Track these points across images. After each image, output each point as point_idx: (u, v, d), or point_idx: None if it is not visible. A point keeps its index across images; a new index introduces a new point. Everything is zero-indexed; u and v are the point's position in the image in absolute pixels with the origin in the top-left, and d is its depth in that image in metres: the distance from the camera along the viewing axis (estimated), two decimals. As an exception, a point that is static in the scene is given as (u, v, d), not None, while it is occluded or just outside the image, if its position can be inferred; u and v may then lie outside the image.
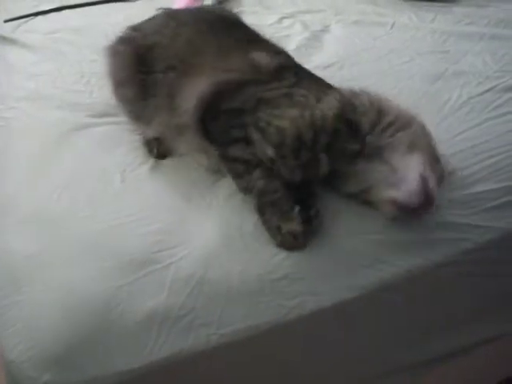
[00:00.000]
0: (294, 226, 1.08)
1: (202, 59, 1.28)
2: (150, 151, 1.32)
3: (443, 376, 1.38)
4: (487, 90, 1.48)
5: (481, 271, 1.22)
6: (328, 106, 1.11)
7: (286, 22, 1.84)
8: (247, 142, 1.13)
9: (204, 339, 1.01)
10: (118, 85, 1.39)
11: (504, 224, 1.20)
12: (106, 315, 1.01)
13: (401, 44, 1.69)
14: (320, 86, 1.23)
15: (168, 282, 1.05)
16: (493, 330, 1.35)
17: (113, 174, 1.27)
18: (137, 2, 1.97)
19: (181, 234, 1.12)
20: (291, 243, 1.08)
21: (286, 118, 1.11)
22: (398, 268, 1.11)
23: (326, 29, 1.78)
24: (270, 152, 1.11)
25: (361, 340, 1.18)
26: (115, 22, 1.82)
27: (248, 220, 1.13)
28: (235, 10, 1.91)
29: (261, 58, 1.25)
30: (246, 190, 1.15)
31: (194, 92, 1.21)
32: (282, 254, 1.08)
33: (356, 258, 1.11)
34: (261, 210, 1.12)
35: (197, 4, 1.87)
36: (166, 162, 1.31)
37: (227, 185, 1.21)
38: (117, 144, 1.36)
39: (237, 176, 1.17)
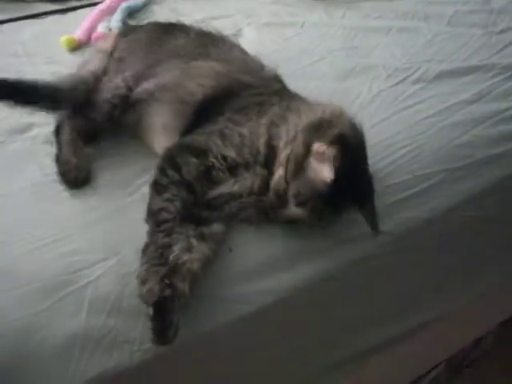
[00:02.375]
0: (157, 287, 0.99)
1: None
2: (65, 179, 1.26)
3: (382, 365, 1.41)
4: (396, 83, 1.53)
5: (399, 261, 1.26)
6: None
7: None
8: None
9: (127, 357, 1.00)
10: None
11: (417, 213, 1.24)
12: (25, 344, 0.99)
13: (311, 43, 1.71)
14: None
15: (86, 303, 1.03)
16: (426, 315, 1.40)
17: (25, 196, 1.23)
18: (46, 19, 1.92)
19: (96, 252, 1.10)
20: (149, 302, 0.99)
21: (247, 126, 1.16)
22: (315, 270, 1.13)
23: (238, 33, 1.78)
24: (232, 155, 1.14)
25: (292, 341, 1.20)
26: (24, 40, 1.79)
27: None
28: (147, 21, 1.91)
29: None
30: (150, 213, 1.12)
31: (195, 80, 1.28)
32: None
33: (272, 262, 1.12)
34: (145, 249, 1.07)
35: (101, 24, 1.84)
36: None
37: (142, 198, 1.19)
38: (28, 161, 1.31)
39: (156, 192, 1.13)
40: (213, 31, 1.46)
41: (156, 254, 1.05)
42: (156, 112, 1.30)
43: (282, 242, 1.15)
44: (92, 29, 1.82)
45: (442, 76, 1.55)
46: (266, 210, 1.12)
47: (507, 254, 1.52)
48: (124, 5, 1.92)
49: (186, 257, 1.04)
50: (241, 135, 1.16)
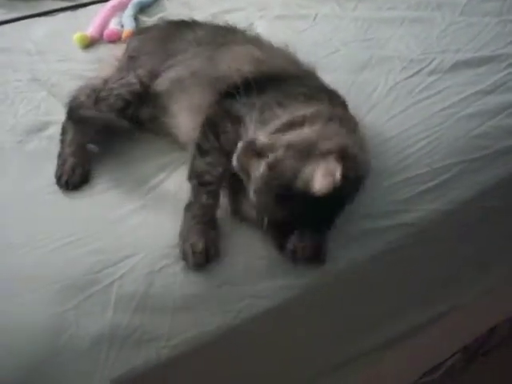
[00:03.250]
0: (200, 242, 1.08)
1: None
2: (59, 180, 1.26)
3: (398, 357, 1.42)
4: (412, 75, 1.51)
5: (424, 253, 1.26)
6: None
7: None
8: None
9: (154, 354, 1.01)
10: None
11: (437, 205, 1.24)
12: (55, 342, 1.00)
13: (324, 35, 1.70)
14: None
15: (112, 302, 1.04)
16: (440, 308, 1.40)
17: (44, 195, 1.24)
18: (57, 16, 1.92)
19: (119, 250, 1.11)
20: (190, 258, 1.08)
21: (287, 111, 1.16)
22: (341, 262, 1.13)
23: (250, 26, 1.76)
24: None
25: (309, 336, 1.20)
26: (36, 38, 1.80)
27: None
28: (160, 15, 1.91)
29: None
30: (193, 173, 1.16)
31: (229, 63, 1.29)
32: (221, 261, 1.09)
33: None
34: (188, 207, 1.13)
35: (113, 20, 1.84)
36: (96, 178, 1.28)
37: (161, 195, 1.21)
38: (46, 160, 1.32)
39: (199, 153, 1.17)
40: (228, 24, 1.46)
41: (200, 212, 1.11)
42: (183, 98, 1.30)
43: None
44: (104, 25, 1.82)
45: (456, 67, 1.54)
46: None
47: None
48: (135, 0, 1.92)
49: None
50: (277, 116, 1.16)
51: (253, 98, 1.20)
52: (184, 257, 1.08)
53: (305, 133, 1.10)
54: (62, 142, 1.33)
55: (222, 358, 1.10)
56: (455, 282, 1.41)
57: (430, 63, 1.55)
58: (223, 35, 1.41)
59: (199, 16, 1.83)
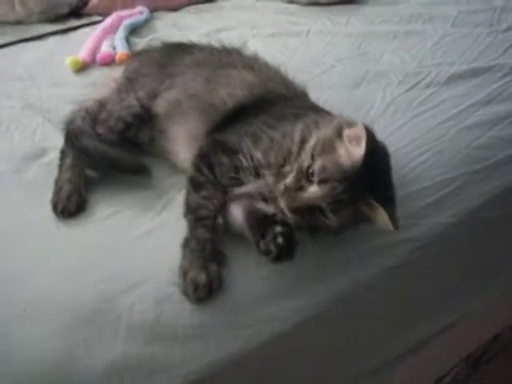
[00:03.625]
0: (202, 276, 1.05)
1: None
2: (55, 208, 1.22)
3: (404, 373, 1.41)
4: (409, 89, 1.52)
5: (430, 266, 1.26)
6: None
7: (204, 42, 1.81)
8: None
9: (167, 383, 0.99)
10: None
11: (443, 218, 1.24)
12: (66, 377, 0.97)
13: (318, 52, 1.70)
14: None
15: (123, 331, 1.01)
16: (447, 319, 1.39)
17: (46, 224, 1.21)
18: (47, 40, 1.91)
19: (127, 278, 1.08)
20: (191, 293, 1.05)
21: (280, 132, 1.16)
22: (349, 281, 1.13)
23: (243, 45, 1.76)
24: (259, 156, 1.14)
25: (324, 355, 1.19)
26: (27, 63, 1.78)
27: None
28: (151, 36, 1.90)
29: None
30: (189, 209, 1.14)
31: (225, 88, 1.28)
32: (232, 286, 1.07)
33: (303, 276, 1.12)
34: (186, 243, 1.10)
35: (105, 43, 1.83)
36: (99, 204, 1.25)
37: (166, 220, 1.19)
38: (46, 188, 1.28)
39: (193, 188, 1.16)
40: (226, 46, 1.45)
41: (198, 247, 1.08)
42: (180, 121, 1.29)
43: (313, 255, 1.13)
44: (96, 48, 1.82)
45: (452, 79, 1.55)
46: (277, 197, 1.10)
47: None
48: (126, 22, 1.92)
49: None
50: (272, 139, 1.15)
51: (245, 126, 1.20)
52: (185, 292, 1.05)
53: (316, 136, 1.10)
54: (60, 166, 1.31)
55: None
56: (462, 292, 1.40)
57: (426, 76, 1.56)
58: (220, 57, 1.40)
59: (191, 36, 1.84)
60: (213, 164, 1.16)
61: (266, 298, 1.09)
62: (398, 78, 1.55)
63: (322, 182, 1.04)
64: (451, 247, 1.30)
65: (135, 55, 1.51)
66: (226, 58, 1.40)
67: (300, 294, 1.10)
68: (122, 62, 1.73)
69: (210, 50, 1.44)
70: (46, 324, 1.02)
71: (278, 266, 1.09)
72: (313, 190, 1.05)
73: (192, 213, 1.13)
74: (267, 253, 1.07)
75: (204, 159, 1.18)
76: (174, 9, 2.10)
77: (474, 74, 1.57)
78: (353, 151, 1.04)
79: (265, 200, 1.14)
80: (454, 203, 1.28)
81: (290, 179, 1.07)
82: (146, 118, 1.33)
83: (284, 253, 1.06)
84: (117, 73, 1.51)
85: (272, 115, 1.22)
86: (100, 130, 1.32)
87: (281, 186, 1.07)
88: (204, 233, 1.10)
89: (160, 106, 1.32)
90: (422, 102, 1.47)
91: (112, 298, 1.05)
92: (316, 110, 1.27)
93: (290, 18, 1.90)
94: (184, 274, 1.06)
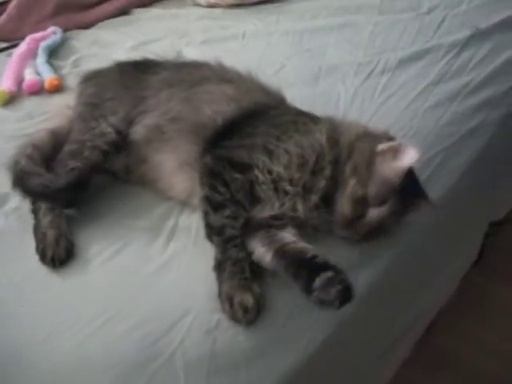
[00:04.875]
0: (249, 298, 1.00)
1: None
2: (43, 257, 1.10)
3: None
4: (366, 78, 1.56)
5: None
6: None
7: (138, 55, 1.61)
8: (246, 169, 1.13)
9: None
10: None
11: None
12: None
13: (263, 53, 1.68)
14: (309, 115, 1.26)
15: (181, 371, 0.94)
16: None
17: (47, 275, 1.08)
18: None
19: (165, 316, 1.00)
20: (241, 318, 1.00)
21: (292, 143, 1.14)
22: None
23: (179, 54, 1.70)
24: (279, 170, 1.12)
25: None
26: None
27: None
28: (73, 57, 1.77)
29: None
30: (213, 231, 1.08)
31: (210, 106, 1.23)
32: (272, 299, 1.04)
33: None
34: (220, 267, 1.04)
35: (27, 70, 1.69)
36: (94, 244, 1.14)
37: (179, 247, 1.12)
38: (22, 237, 1.15)
39: (212, 208, 1.09)
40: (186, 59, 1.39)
41: (236, 269, 1.03)
42: (166, 149, 1.21)
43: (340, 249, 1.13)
44: (18, 77, 1.65)
45: (402, 63, 1.61)
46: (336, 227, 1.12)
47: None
48: (43, 45, 1.77)
49: None
50: (287, 151, 1.13)
51: (246, 139, 1.17)
52: (234, 317, 0.99)
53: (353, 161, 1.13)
54: (35, 211, 1.18)
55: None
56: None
57: (378, 64, 1.60)
58: (190, 72, 1.33)
59: (118, 52, 1.75)
60: (226, 181, 1.11)
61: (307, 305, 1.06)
62: (352, 69, 1.58)
63: (382, 202, 1.10)
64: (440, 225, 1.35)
65: (88, 78, 1.39)
66: (197, 72, 1.33)
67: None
68: (53, 88, 1.62)
69: (175, 66, 1.37)
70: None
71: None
72: (375, 213, 1.10)
73: (218, 234, 1.07)
74: (329, 303, 1.01)
75: (216, 176, 1.12)
76: (87, 26, 1.97)
77: (418, 56, 1.64)
78: (395, 165, 1.10)
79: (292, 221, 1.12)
80: (437, 180, 1.33)
81: (347, 211, 1.10)
82: (121, 145, 1.24)
83: (346, 296, 1.01)
84: (68, 100, 1.39)
85: (271, 125, 1.19)
86: (74, 163, 1.21)
87: (339, 219, 1.11)
88: (237, 253, 1.05)
89: (137, 133, 1.24)
90: (384, 88, 1.51)
91: (157, 340, 0.97)
92: (304, 114, 1.26)
93: (217, 22, 1.86)
94: (229, 299, 1.00)
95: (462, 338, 1.78)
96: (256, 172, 1.12)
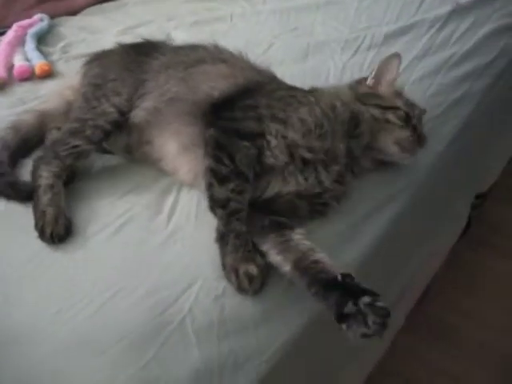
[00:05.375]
0: (253, 268, 1.03)
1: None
2: (42, 234, 1.13)
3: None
4: (354, 54, 1.60)
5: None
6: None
7: (127, 40, 1.63)
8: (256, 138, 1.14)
9: (254, 374, 0.97)
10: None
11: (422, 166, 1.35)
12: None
13: (251, 33, 1.71)
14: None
15: (192, 338, 0.97)
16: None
17: (49, 255, 1.11)
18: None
19: (173, 285, 1.04)
20: (247, 287, 1.03)
21: (303, 112, 1.17)
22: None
23: (168, 37, 1.71)
24: (296, 137, 1.14)
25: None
26: None
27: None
28: (62, 44, 1.79)
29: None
30: (217, 203, 1.09)
31: (206, 83, 1.25)
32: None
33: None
34: (223, 239, 1.07)
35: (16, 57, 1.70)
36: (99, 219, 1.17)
37: (183, 219, 1.16)
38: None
39: (217, 181, 1.10)
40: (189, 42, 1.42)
41: (239, 242, 1.05)
42: (167, 130, 1.23)
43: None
44: (7, 64, 1.66)
45: (387, 39, 1.65)
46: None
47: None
48: (31, 31, 1.78)
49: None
50: (302, 120, 1.16)
51: (250, 111, 1.18)
52: (241, 287, 1.02)
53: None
54: (36, 189, 1.19)
55: (313, 351, 1.10)
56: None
57: (364, 40, 1.64)
58: (186, 54, 1.35)
59: (107, 37, 1.77)
60: (232, 151, 1.12)
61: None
62: (340, 45, 1.62)
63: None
64: (430, 191, 1.40)
65: (93, 60, 1.41)
66: (193, 54, 1.35)
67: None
68: (44, 73, 1.63)
69: (173, 48, 1.39)
70: (103, 354, 0.95)
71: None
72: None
73: (222, 207, 1.09)
74: (364, 335, 0.94)
75: (221, 148, 1.13)
76: (74, 13, 1.98)
77: (403, 32, 1.69)
78: (390, 76, 1.27)
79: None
80: (426, 147, 1.36)
81: (405, 135, 1.24)
82: (123, 126, 1.27)
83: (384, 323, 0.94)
84: (71, 81, 1.42)
85: (272, 99, 1.21)
86: (75, 141, 1.23)
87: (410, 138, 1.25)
88: (240, 226, 1.07)
89: (138, 116, 1.27)
90: (371, 63, 1.54)
91: (166, 308, 1.01)
92: (297, 88, 1.30)
93: (204, 4, 1.88)
94: (234, 270, 1.03)
95: (452, 308, 1.83)
96: (268, 137, 1.14)
